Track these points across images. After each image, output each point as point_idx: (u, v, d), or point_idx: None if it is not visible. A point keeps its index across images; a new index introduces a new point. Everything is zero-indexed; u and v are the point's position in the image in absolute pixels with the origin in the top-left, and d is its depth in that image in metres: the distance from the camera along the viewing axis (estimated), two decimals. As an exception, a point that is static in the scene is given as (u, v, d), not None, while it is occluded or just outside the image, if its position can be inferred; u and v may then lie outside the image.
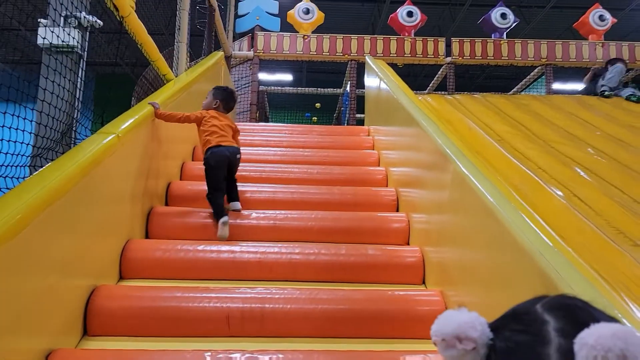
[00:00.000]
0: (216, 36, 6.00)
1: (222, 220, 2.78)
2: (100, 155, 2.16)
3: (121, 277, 2.43)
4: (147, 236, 2.82)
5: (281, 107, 11.13)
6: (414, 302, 2.19)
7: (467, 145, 2.61)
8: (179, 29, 3.90)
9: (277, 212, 3.05)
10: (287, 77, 18.35)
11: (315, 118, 10.29)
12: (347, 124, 7.13)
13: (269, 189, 3.41)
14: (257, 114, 8.00)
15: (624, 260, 1.98)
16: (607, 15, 7.11)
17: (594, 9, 7.16)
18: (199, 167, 3.70)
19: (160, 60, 3.31)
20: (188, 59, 4.51)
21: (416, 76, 15.09)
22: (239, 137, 3.36)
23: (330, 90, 8.32)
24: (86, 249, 2.05)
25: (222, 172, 3.00)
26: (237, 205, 3.04)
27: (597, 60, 6.87)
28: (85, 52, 3.32)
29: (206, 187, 2.98)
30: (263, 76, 17.96)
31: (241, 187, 3.38)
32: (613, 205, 2.54)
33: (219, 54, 5.26)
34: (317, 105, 9.63)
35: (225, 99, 3.26)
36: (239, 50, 7.14)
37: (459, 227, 2.16)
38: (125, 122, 2.51)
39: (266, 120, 9.04)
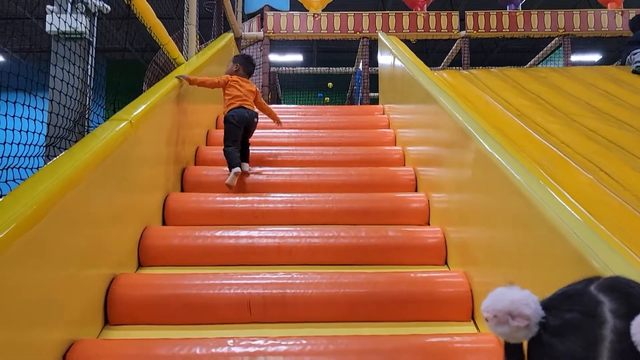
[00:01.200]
0: (225, 18, 5.91)
1: (234, 170, 3.09)
2: (114, 143, 2.12)
3: (140, 265, 2.42)
4: (164, 223, 2.80)
5: (293, 87, 11.01)
6: (437, 283, 2.14)
7: (487, 122, 2.53)
8: (188, 11, 3.82)
9: (294, 195, 3.01)
10: (298, 57, 18.16)
11: (328, 98, 10.18)
12: (361, 103, 7.03)
13: (285, 172, 3.36)
14: (270, 96, 7.92)
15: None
16: (627, -19, 6.85)
17: (614, -25, 6.90)
18: (214, 152, 3.68)
19: (170, 43, 3.25)
20: (198, 41, 4.44)
21: (429, 52, 14.82)
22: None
23: (342, 69, 8.20)
24: (104, 238, 2.03)
25: (240, 130, 3.33)
26: (246, 166, 3.31)
27: (617, 29, 6.64)
28: (95, 38, 3.28)
29: (224, 167, 3.17)
30: (274, 57, 17.81)
31: (257, 170, 3.35)
32: (641, 179, 2.45)
33: (229, 35, 5.17)
34: (330, 84, 9.51)
35: (243, 63, 3.58)
36: (249, 31, 7.04)
37: (483, 207, 2.10)
38: (138, 108, 2.47)
39: (278, 102, 8.96)
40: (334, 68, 8.48)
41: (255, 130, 3.60)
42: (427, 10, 6.91)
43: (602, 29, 6.71)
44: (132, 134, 2.30)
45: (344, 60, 10.21)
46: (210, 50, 4.29)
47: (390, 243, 2.53)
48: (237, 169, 3.09)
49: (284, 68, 8.29)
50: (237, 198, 2.92)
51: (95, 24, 3.25)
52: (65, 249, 1.68)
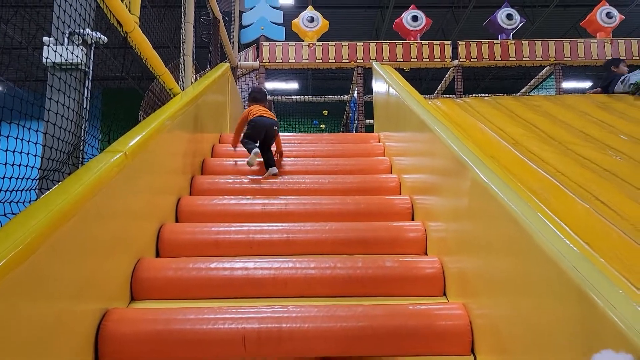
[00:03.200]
0: (222, 47, 5.98)
1: (253, 151, 3.68)
2: (108, 175, 2.11)
3: (132, 299, 2.37)
4: (157, 255, 2.76)
5: (289, 115, 11.09)
6: (436, 316, 2.11)
7: (482, 150, 2.53)
8: (184, 41, 3.86)
9: (290, 224, 2.98)
10: (294, 85, 18.40)
11: (323, 125, 10.24)
12: (356, 131, 7.07)
13: (281, 201, 3.34)
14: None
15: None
16: (615, 12, 7.01)
17: (601, 6, 7.06)
18: (209, 180, 3.67)
19: (166, 74, 3.27)
20: (194, 71, 4.48)
21: (422, 80, 15.05)
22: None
23: (337, 97, 8.28)
24: (96, 272, 1.99)
25: (259, 135, 3.87)
26: (274, 170, 3.76)
27: (607, 58, 6.76)
28: (91, 70, 3.30)
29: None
30: (270, 85, 18.06)
31: (252, 200, 3.34)
32: (637, 207, 2.44)
33: (225, 65, 5.23)
34: (325, 112, 9.59)
35: (248, 96, 4.36)
36: (245, 61, 7.12)
37: (481, 237, 2.08)
38: (133, 139, 2.46)
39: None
40: (329, 96, 8.56)
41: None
42: (420, 40, 7.02)
43: (592, 58, 6.84)
44: (127, 165, 2.29)
45: (338, 88, 10.33)
46: (207, 80, 4.32)
47: (388, 274, 2.49)
48: (256, 150, 3.69)
49: (280, 96, 8.35)
50: (232, 228, 2.89)
51: (92, 56, 3.28)
52: (56, 285, 1.64)
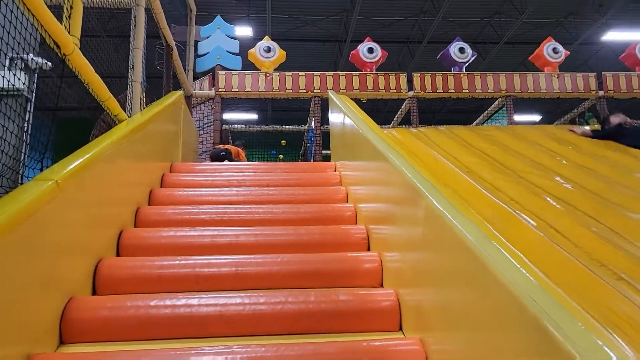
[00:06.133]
0: (176, 76, 5.85)
1: None
2: (35, 205, 1.92)
3: (62, 342, 2.14)
4: (94, 292, 2.54)
5: (247, 146, 10.97)
6: (392, 353, 1.99)
7: (437, 178, 2.48)
8: (132, 67, 3.71)
9: (240, 257, 2.82)
10: (252, 116, 18.34)
11: (282, 156, 10.17)
12: (314, 160, 7.01)
13: (231, 232, 3.18)
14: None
15: (612, 297, 1.85)
16: (560, 48, 7.35)
17: (547, 42, 7.39)
18: (156, 211, 3.47)
19: (110, 100, 3.10)
20: (144, 99, 4.32)
21: (380, 111, 15.30)
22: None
23: (295, 127, 8.26)
24: (18, 313, 1.78)
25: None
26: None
27: (554, 91, 7.04)
28: (34, 95, 3.10)
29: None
30: (228, 116, 17.95)
31: (200, 232, 3.16)
32: (591, 235, 2.44)
33: (178, 93, 5.08)
34: (283, 142, 9.53)
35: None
36: (200, 90, 7.00)
37: (436, 267, 2.00)
38: (67, 166, 2.28)
39: (232, 160, 8.82)
40: (286, 126, 8.52)
41: (201, 188, 3.83)
42: (376, 71, 7.12)
43: (541, 91, 7.10)
44: (58, 195, 2.10)
45: (297, 119, 10.32)
46: (156, 108, 4.16)
47: (341, 308, 2.36)
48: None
49: (236, 126, 8.23)
50: (177, 262, 2.70)
51: (35, 81, 3.09)
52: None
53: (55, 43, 2.40)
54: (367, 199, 3.46)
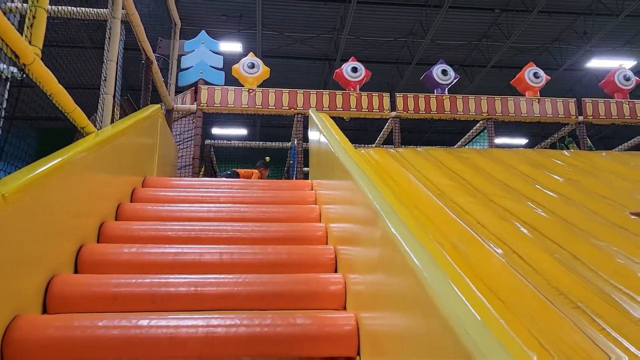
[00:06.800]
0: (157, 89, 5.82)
1: None
2: (-24, 219, 1.85)
3: (2, 363, 2.05)
4: (45, 311, 2.45)
5: (231, 161, 10.92)
6: (343, 380, 1.92)
7: (402, 200, 2.46)
8: (105, 79, 3.67)
9: (201, 276, 2.75)
10: (242, 131, 18.34)
11: (268, 158, 10.13)
12: (295, 178, 6.97)
13: (195, 250, 3.11)
14: (203, 169, 7.75)
15: (565, 326, 1.82)
16: (541, 73, 7.43)
17: (529, 67, 7.48)
18: (122, 227, 3.40)
19: (76, 111, 3.05)
20: (118, 112, 4.27)
21: (368, 130, 15.38)
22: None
23: (278, 144, 8.21)
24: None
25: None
26: None
27: (535, 115, 7.10)
28: (5, 103, 3.05)
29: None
30: (217, 130, 17.93)
31: (164, 249, 3.09)
32: (553, 262, 2.41)
33: (155, 106, 5.04)
34: (267, 158, 9.48)
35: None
36: (182, 104, 6.97)
37: (389, 292, 1.95)
38: (18, 179, 2.21)
39: (214, 175, 8.76)
40: (270, 142, 8.49)
41: (172, 204, 3.83)
42: (360, 91, 7.14)
43: (522, 115, 7.16)
44: (5, 209, 2.03)
45: (286, 135, 10.32)
46: (129, 120, 4.11)
47: (297, 332, 2.30)
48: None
49: (219, 141, 8.19)
50: (134, 281, 2.63)
51: (7, 90, 3.04)
52: None
53: (13, 52, 2.35)
54: (337, 219, 3.42)
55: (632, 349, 1.71)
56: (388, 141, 7.92)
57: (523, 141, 16.84)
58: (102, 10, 4.41)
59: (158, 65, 6.59)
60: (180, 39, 7.59)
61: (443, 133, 17.88)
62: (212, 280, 2.71)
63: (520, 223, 2.97)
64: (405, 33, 13.63)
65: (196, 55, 6.92)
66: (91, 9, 4.53)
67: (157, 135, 5.12)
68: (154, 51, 6.76)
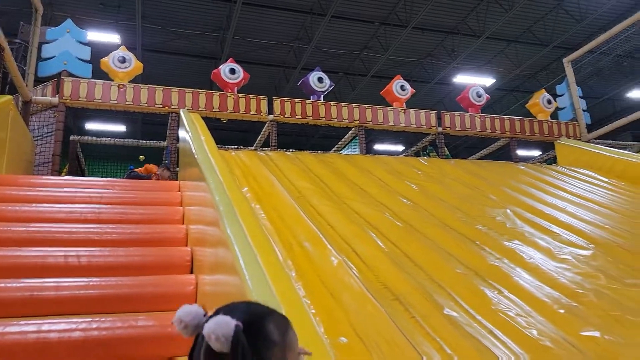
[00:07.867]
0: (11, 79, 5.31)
1: None
2: None
3: None
4: None
5: (102, 159, 10.29)
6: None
7: (262, 202, 2.54)
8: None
9: (41, 280, 2.61)
10: (120, 127, 17.28)
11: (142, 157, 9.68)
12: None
13: (39, 252, 2.93)
14: (67, 167, 7.23)
15: (381, 318, 2.03)
16: (407, 85, 8.05)
17: (396, 79, 8.07)
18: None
19: None
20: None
21: (257, 132, 15.38)
22: None
23: (151, 143, 7.89)
24: None
25: None
26: None
27: (400, 125, 7.67)
28: None
29: None
30: (91, 126, 16.71)
31: (2, 252, 2.87)
32: (385, 260, 2.67)
33: (6, 97, 4.62)
34: (142, 157, 9.07)
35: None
36: (42, 96, 6.43)
37: (226, 291, 2.03)
38: None
39: (81, 174, 8.18)
40: (143, 141, 8.14)
41: (17, 204, 3.61)
42: (239, 92, 7.16)
43: (389, 124, 7.69)
44: None
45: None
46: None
47: (140, 334, 2.28)
48: None
49: (87, 138, 7.66)
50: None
51: None
52: None
53: None
54: (195, 221, 3.43)
55: (432, 333, 1.97)
56: (267, 144, 8.04)
57: (400, 148, 18.02)
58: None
59: (20, 53, 6.03)
60: (50, 25, 7.01)
61: (329, 138, 18.50)
62: (51, 284, 2.59)
63: (366, 225, 3.23)
64: (291, 38, 13.89)
65: (59, 45, 6.42)
66: None
67: (8, 128, 4.70)
68: (16, 37, 6.18)
